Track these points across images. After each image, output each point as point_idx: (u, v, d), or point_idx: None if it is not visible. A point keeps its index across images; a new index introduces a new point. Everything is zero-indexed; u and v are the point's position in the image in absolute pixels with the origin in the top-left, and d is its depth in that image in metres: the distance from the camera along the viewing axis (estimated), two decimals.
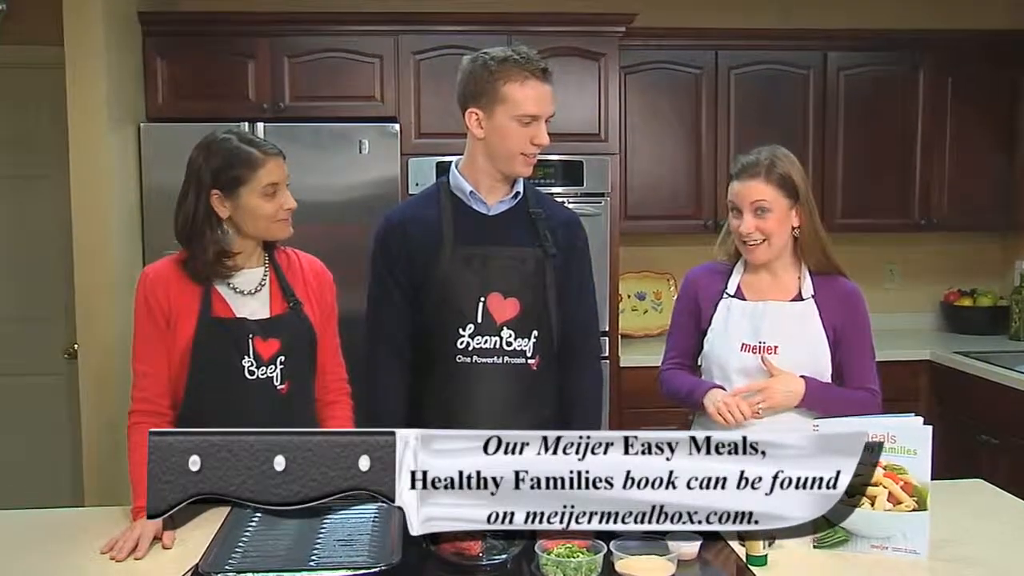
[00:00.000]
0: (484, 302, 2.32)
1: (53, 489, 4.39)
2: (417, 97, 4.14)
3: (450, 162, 3.95)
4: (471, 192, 2.38)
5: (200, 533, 2.00)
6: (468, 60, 2.34)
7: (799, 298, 2.40)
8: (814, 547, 1.97)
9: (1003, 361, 4.06)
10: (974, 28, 4.72)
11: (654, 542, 1.85)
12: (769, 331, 2.37)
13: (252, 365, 2.19)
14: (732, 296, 2.46)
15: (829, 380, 2.37)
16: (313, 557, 1.80)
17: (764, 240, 2.37)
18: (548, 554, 1.79)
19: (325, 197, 3.91)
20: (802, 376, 2.33)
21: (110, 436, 3.78)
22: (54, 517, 2.25)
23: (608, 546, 1.81)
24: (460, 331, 2.32)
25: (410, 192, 4.06)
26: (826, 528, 1.93)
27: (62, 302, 4.33)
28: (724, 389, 2.39)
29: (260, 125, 3.93)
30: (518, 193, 2.42)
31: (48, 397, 4.46)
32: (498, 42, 3.97)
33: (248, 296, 2.25)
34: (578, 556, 1.78)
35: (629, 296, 4.79)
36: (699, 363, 2.54)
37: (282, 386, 2.22)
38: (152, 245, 3.96)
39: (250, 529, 1.94)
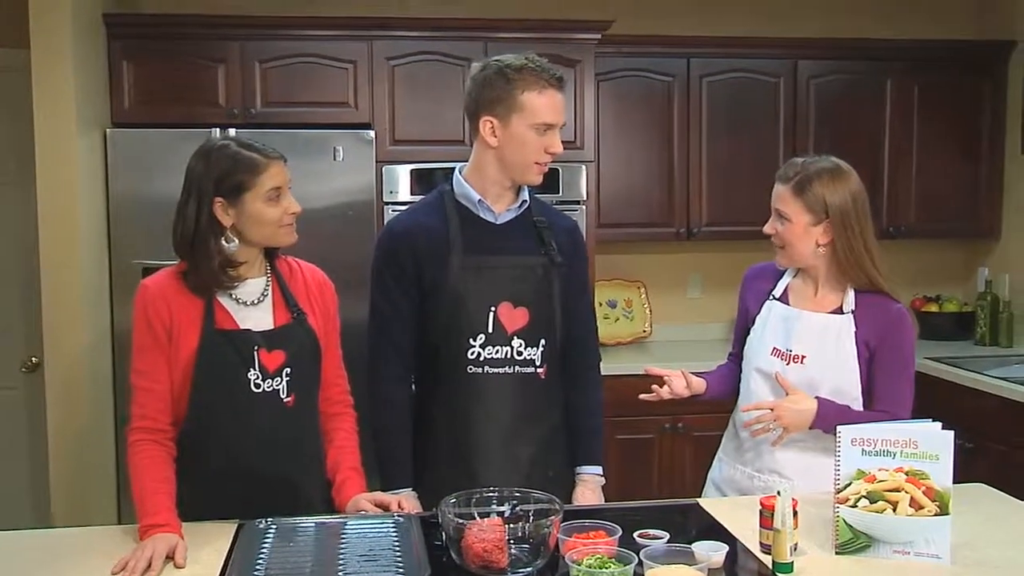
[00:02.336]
0: (494, 312, 2.29)
1: (11, 507, 4.23)
2: (392, 103, 4.09)
3: (426, 169, 3.98)
4: (479, 200, 2.34)
5: (211, 550, 1.94)
6: (479, 67, 2.30)
7: (839, 311, 2.37)
8: (836, 553, 1.96)
9: (973, 366, 4.13)
10: (941, 38, 4.81)
11: (681, 551, 1.84)
12: (799, 340, 2.37)
13: (258, 378, 2.12)
14: (777, 299, 2.46)
15: (858, 397, 2.34)
16: (339, 574, 1.74)
17: (782, 246, 2.38)
18: (579, 564, 1.76)
19: (300, 205, 3.81)
20: (816, 397, 2.31)
21: (77, 452, 3.66)
22: (55, 537, 2.16)
23: (638, 555, 1.79)
24: (471, 341, 2.28)
25: (385, 200, 4.01)
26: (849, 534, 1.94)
27: (18, 313, 4.19)
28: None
29: (231, 131, 3.83)
30: (524, 201, 2.39)
31: (4, 411, 4.28)
32: (473, 49, 3.98)
33: (251, 307, 2.18)
34: (609, 566, 1.76)
35: (601, 304, 4.76)
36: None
37: (288, 399, 2.16)
38: (119, 254, 3.85)
39: (266, 546, 1.89)
